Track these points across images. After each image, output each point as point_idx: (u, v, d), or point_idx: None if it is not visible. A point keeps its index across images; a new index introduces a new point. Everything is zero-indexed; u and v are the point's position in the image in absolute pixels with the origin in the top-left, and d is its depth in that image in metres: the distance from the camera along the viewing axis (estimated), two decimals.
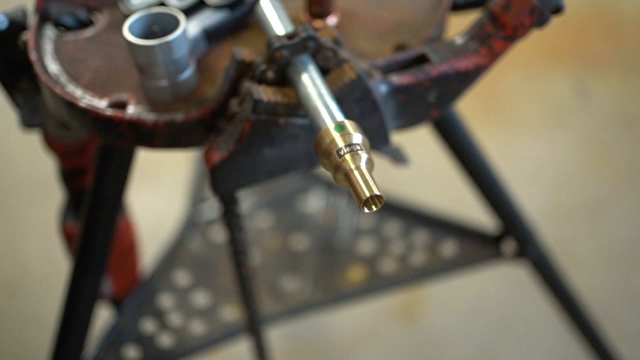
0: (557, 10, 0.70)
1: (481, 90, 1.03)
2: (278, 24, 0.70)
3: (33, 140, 1.40)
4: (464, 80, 0.72)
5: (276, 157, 0.68)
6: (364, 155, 0.57)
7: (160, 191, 1.74)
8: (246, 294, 0.93)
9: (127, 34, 0.66)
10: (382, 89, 0.69)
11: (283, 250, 1.24)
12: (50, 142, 0.92)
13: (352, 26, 0.77)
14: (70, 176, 0.98)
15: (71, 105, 0.69)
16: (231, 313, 1.14)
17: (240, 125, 0.66)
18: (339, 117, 0.61)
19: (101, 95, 0.70)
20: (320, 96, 0.63)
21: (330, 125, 0.59)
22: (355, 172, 0.56)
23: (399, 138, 0.81)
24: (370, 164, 0.57)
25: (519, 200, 1.06)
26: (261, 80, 0.66)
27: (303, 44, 0.65)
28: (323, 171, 1.30)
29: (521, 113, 1.93)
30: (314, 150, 0.66)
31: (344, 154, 0.57)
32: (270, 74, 0.66)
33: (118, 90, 0.71)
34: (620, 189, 1.74)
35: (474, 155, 0.97)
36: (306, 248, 1.24)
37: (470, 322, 1.53)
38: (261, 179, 0.70)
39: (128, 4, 0.74)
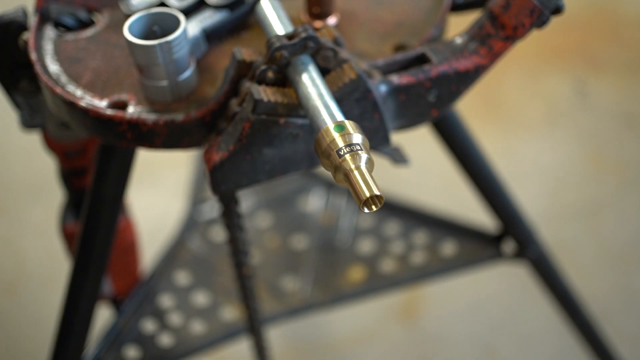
0: (557, 10, 0.70)
1: (481, 90, 1.03)
2: (278, 24, 0.70)
3: (33, 140, 1.40)
4: (463, 80, 0.72)
5: (276, 157, 0.68)
6: (364, 156, 0.57)
7: (160, 191, 1.74)
8: (246, 294, 0.93)
9: (127, 34, 0.66)
10: (382, 89, 0.69)
11: (283, 250, 1.24)
12: (50, 142, 0.92)
13: (352, 26, 0.77)
14: (70, 176, 0.98)
15: (71, 105, 0.69)
16: (231, 313, 1.14)
17: (240, 125, 0.66)
18: (339, 117, 0.61)
19: (101, 95, 0.70)
20: (320, 96, 0.63)
21: (330, 125, 0.59)
22: (355, 172, 0.56)
23: (399, 138, 0.81)
24: (370, 164, 0.57)
25: (518, 200, 1.06)
26: (261, 80, 0.66)
27: (303, 44, 0.65)
28: (323, 171, 1.30)
29: (521, 113, 1.92)
30: (314, 150, 0.66)
31: (344, 154, 0.57)
32: (270, 74, 0.66)
33: (118, 90, 0.71)
34: (620, 189, 1.74)
35: (473, 155, 0.97)
36: (306, 248, 1.24)
37: (470, 322, 1.53)
38: (261, 179, 0.70)
39: (128, 4, 0.74)
